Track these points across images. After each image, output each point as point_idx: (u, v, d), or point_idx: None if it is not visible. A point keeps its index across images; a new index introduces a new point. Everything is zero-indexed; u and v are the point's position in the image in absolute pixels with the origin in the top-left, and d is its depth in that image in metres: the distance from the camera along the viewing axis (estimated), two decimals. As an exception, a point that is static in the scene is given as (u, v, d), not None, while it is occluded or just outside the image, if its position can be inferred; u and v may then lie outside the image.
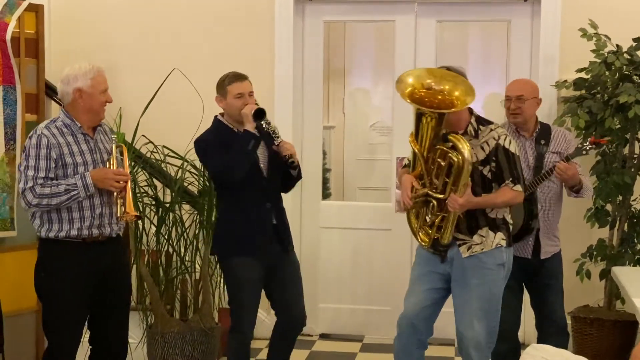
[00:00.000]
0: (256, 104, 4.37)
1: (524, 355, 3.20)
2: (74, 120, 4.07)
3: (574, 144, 4.69)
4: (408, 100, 3.96)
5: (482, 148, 4.07)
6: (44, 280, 4.09)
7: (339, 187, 8.77)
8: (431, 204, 4.05)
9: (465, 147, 3.89)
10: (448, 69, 4.10)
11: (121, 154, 4.17)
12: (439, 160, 3.99)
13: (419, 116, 3.98)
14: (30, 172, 3.94)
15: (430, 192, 4.04)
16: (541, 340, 4.71)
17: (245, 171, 4.28)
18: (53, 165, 3.97)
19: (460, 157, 3.89)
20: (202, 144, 4.36)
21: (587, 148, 4.47)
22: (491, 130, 4.11)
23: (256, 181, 4.35)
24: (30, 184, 3.93)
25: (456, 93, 3.94)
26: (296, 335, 4.62)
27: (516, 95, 4.62)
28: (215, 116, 4.47)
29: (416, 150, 4.04)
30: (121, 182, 3.99)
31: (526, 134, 4.66)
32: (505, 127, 4.65)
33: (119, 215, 4.03)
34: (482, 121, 4.15)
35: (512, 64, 6.03)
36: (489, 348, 4.16)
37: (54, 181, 3.95)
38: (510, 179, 4.07)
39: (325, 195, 8.11)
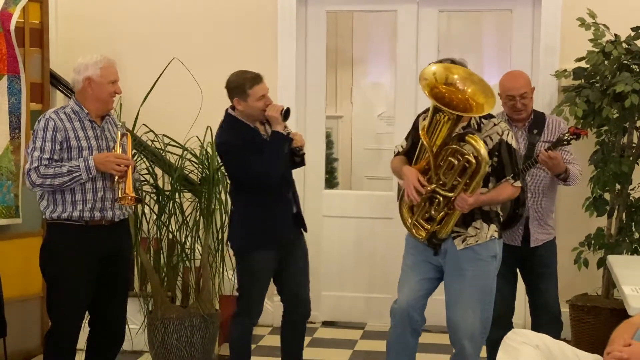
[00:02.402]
0: None
1: (504, 340, 3.26)
2: (82, 108, 4.18)
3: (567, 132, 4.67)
4: (429, 96, 3.88)
5: (485, 142, 4.00)
6: (48, 261, 4.20)
7: (347, 177, 8.81)
8: (437, 200, 4.03)
9: (482, 148, 3.86)
10: (453, 61, 4.03)
11: (125, 141, 4.24)
12: (450, 158, 3.95)
13: (435, 112, 3.93)
14: (36, 153, 4.06)
15: (438, 189, 4.01)
16: (535, 327, 4.72)
17: (281, 173, 4.34)
18: (58, 147, 4.08)
19: (477, 160, 3.86)
20: (227, 147, 4.34)
21: (568, 138, 4.44)
22: (494, 124, 4.07)
23: None
24: (35, 164, 4.05)
25: (477, 99, 3.87)
26: (304, 322, 4.68)
27: (520, 93, 4.58)
28: (227, 112, 4.42)
29: (426, 144, 3.98)
30: (122, 166, 4.08)
31: (519, 123, 4.66)
32: (499, 117, 4.65)
33: (118, 197, 4.10)
34: (484, 115, 4.08)
35: (514, 53, 6.04)
36: (482, 338, 4.16)
37: (58, 163, 4.06)
38: (512, 175, 4.05)
39: (333, 184, 8.17)
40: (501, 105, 4.74)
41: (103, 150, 4.17)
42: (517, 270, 4.80)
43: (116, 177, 4.11)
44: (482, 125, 4.07)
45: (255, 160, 4.26)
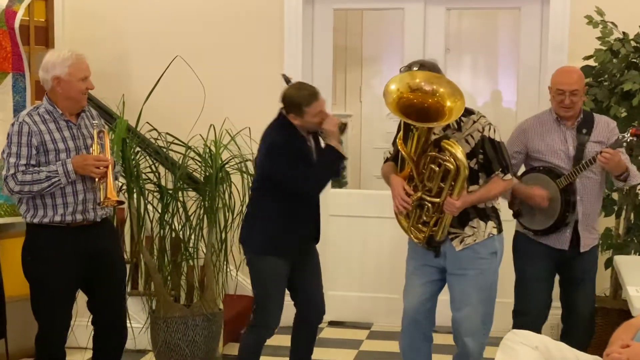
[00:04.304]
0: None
1: (503, 340, 3.23)
2: (55, 107, 4.08)
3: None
4: (395, 111, 3.80)
5: (467, 141, 3.99)
6: (30, 264, 4.14)
7: (356, 176, 8.76)
8: (426, 206, 4.00)
9: (458, 152, 3.82)
10: (422, 65, 3.99)
11: (102, 139, 4.15)
12: (431, 165, 3.92)
13: (406, 123, 3.89)
14: (12, 160, 3.96)
15: (424, 196, 3.99)
16: (565, 333, 4.69)
17: (324, 187, 4.34)
18: (34, 152, 3.98)
19: (456, 164, 3.83)
20: (276, 148, 4.26)
21: (628, 139, 4.30)
22: (474, 122, 4.02)
23: None
24: (12, 171, 3.95)
25: (447, 103, 3.81)
26: (317, 325, 4.64)
27: (571, 89, 4.46)
28: (282, 113, 4.33)
29: (404, 155, 3.96)
30: (101, 168, 3.99)
31: (568, 123, 4.54)
32: (546, 115, 4.59)
33: (100, 200, 4.04)
34: (463, 112, 3.97)
35: (522, 51, 6.00)
36: (484, 335, 4.15)
37: (35, 168, 3.97)
38: (500, 169, 4.02)
39: (342, 183, 8.12)
40: (549, 100, 4.64)
41: (81, 150, 4.08)
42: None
43: (96, 179, 4.04)
44: (461, 124, 4.02)
45: (305, 168, 4.23)
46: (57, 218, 4.04)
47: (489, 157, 4.01)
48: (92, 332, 4.41)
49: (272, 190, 4.32)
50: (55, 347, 4.19)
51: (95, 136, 4.12)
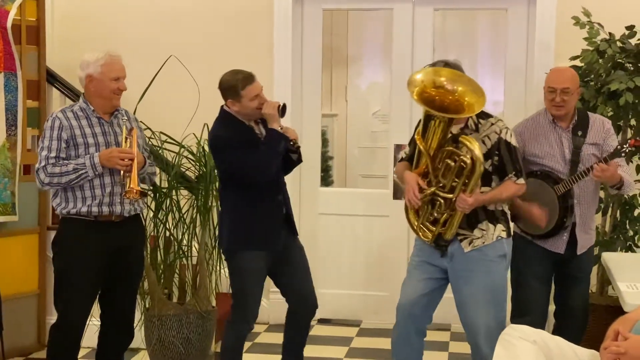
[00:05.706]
0: None
1: (502, 335, 3.27)
2: (89, 105, 4.24)
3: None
4: (418, 101, 3.89)
5: (484, 142, 4.03)
6: (56, 255, 4.29)
7: (342, 175, 8.82)
8: (438, 202, 4.03)
9: (476, 149, 3.86)
10: (447, 63, 4.05)
11: (131, 135, 4.27)
12: (447, 160, 3.96)
13: (428, 115, 3.94)
14: (44, 152, 4.15)
15: (437, 192, 4.02)
16: (557, 329, 4.72)
17: (275, 171, 4.33)
18: (64, 145, 4.15)
19: (472, 160, 3.86)
20: (221, 141, 4.30)
21: (627, 150, 4.34)
22: (492, 124, 4.07)
23: None
24: (43, 163, 4.13)
25: (467, 98, 3.88)
26: (310, 319, 4.63)
27: (562, 87, 4.48)
28: (223, 108, 4.39)
29: (422, 149, 4.00)
30: (126, 160, 4.12)
31: (563, 124, 4.57)
32: (541, 117, 4.63)
33: (124, 191, 4.14)
34: (481, 114, 4.07)
35: (509, 52, 6.06)
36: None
37: (64, 161, 4.13)
38: (514, 173, 4.06)
39: (328, 182, 8.18)
40: (538, 101, 4.66)
41: (111, 146, 4.23)
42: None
43: (121, 172, 4.15)
44: (479, 125, 4.08)
45: (251, 155, 4.24)
46: (84, 209, 4.17)
47: (503, 159, 4.05)
48: (98, 328, 4.50)
49: (231, 187, 4.36)
50: (71, 338, 4.25)
51: (125, 132, 4.25)
